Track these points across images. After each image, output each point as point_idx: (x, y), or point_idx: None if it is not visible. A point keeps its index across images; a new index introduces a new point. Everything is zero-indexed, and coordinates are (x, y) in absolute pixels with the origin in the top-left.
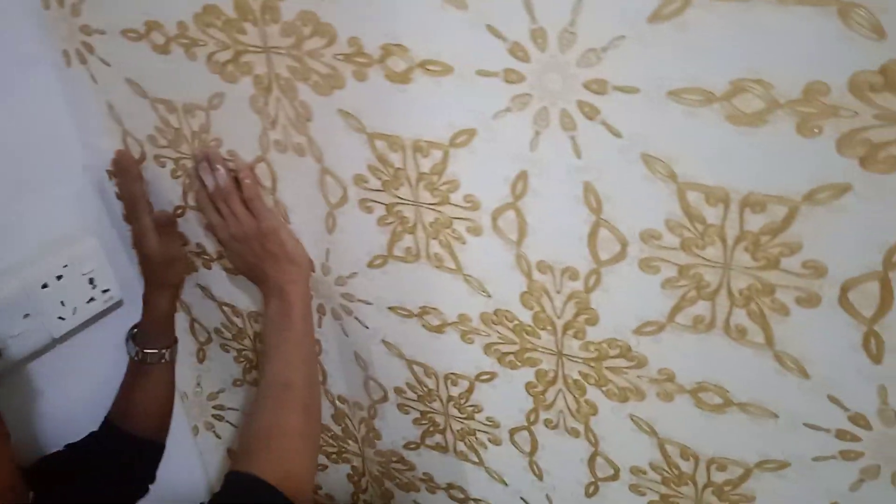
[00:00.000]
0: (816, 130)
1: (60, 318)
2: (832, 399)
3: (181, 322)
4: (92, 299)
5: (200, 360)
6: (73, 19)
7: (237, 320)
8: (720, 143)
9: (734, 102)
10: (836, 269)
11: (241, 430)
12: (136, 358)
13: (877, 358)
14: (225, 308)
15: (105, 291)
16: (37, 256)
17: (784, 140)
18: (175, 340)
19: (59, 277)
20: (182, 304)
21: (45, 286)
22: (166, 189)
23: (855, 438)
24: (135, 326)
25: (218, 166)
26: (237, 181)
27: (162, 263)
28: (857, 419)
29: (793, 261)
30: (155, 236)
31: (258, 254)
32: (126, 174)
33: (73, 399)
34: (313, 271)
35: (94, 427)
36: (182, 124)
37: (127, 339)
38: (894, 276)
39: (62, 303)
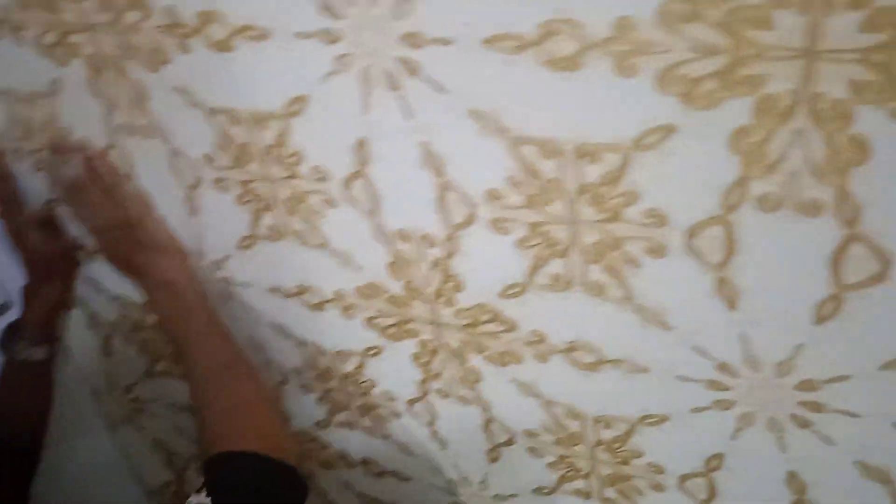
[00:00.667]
0: (632, 69)
1: None
2: (697, 350)
3: (79, 319)
4: None
5: (107, 355)
6: None
7: (133, 311)
8: (543, 92)
9: (547, 46)
10: (677, 216)
11: (200, 423)
12: (17, 358)
13: (732, 303)
14: (118, 300)
15: None
16: None
17: (604, 83)
18: (58, 338)
19: None
20: (78, 299)
21: None
22: (32, 183)
23: (725, 388)
24: (11, 325)
25: (69, 157)
26: (94, 170)
27: (45, 259)
28: (725, 368)
29: (635, 210)
30: (34, 232)
31: (127, 245)
32: None
33: None
34: (189, 258)
35: None
36: (30, 115)
37: (3, 339)
38: (735, 219)
39: None
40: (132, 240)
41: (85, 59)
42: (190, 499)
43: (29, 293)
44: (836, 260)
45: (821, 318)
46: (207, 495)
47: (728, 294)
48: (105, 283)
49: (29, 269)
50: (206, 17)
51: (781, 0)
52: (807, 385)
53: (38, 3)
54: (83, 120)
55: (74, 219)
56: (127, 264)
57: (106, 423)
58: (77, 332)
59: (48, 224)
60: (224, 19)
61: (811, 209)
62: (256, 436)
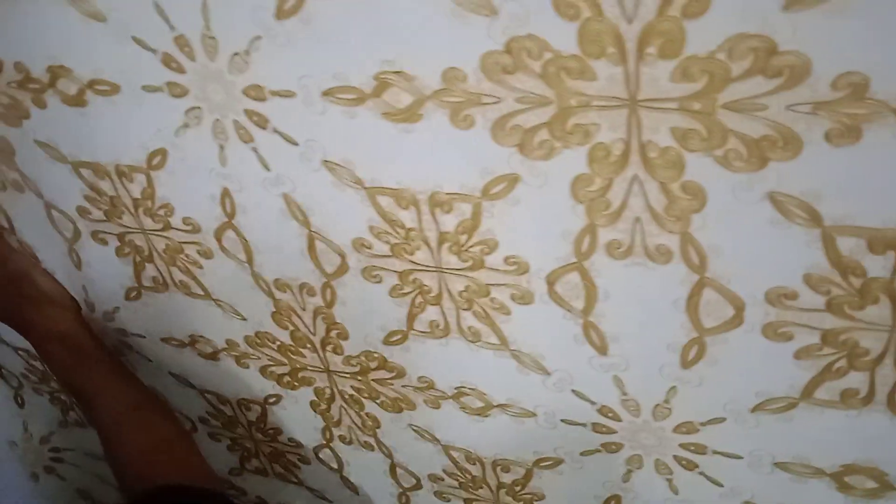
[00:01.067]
0: (466, 121)
1: None
2: (577, 393)
3: None
4: None
5: (21, 405)
6: None
7: (36, 363)
8: (388, 143)
9: (385, 98)
10: (536, 262)
11: (119, 467)
12: None
13: (602, 349)
14: (20, 352)
15: None
16: None
17: (444, 134)
18: None
19: None
20: None
21: None
22: None
23: (610, 431)
24: None
25: None
26: None
27: None
28: (606, 411)
29: (495, 258)
30: None
31: (14, 299)
32: None
33: None
34: (81, 309)
35: None
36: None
37: None
38: (590, 265)
39: None
40: (19, 294)
41: None
42: None
43: None
44: (692, 305)
45: (687, 363)
46: None
47: (596, 339)
48: (7, 336)
49: None
50: (55, 73)
51: (596, 51)
52: (686, 427)
53: None
54: None
55: None
56: (15, 318)
57: (27, 473)
58: None
59: None
60: (72, 74)
61: (659, 256)
62: (181, 469)
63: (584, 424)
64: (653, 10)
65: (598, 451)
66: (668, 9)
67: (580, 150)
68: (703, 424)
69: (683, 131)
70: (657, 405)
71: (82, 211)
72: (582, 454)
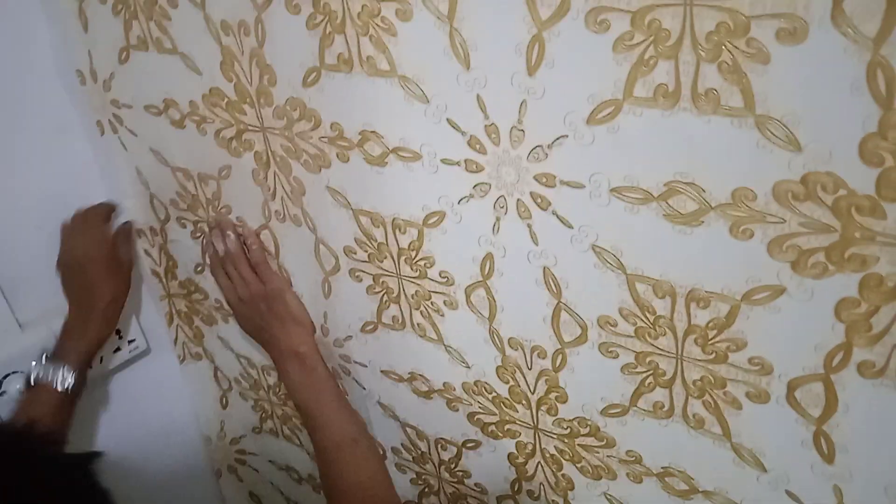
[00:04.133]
0: (747, 234)
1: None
2: (790, 495)
3: (206, 370)
4: (118, 349)
5: (224, 407)
6: (104, 94)
7: (252, 372)
8: (661, 240)
9: (671, 203)
10: (781, 367)
11: (329, 492)
12: (66, 389)
13: (829, 458)
14: (241, 360)
15: (131, 342)
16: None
17: (719, 240)
18: (86, 375)
19: None
20: (206, 352)
21: None
22: (188, 248)
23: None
24: (50, 353)
25: (228, 232)
26: (246, 246)
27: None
28: None
29: (740, 356)
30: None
31: (264, 316)
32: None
33: (93, 442)
34: (315, 332)
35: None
36: (198, 191)
37: (43, 369)
38: (836, 379)
39: None
40: (269, 311)
41: (254, 154)
42: None
43: (73, 326)
44: None
45: None
46: None
47: (825, 447)
48: (232, 343)
49: (86, 306)
50: (366, 136)
51: (893, 196)
52: None
53: (225, 104)
54: (244, 202)
55: (218, 285)
56: (261, 333)
57: (213, 469)
58: (202, 383)
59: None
60: (380, 139)
61: None
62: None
63: None
64: None
65: None
66: None
67: (853, 277)
68: None
69: None
70: None
71: (348, 250)
72: None
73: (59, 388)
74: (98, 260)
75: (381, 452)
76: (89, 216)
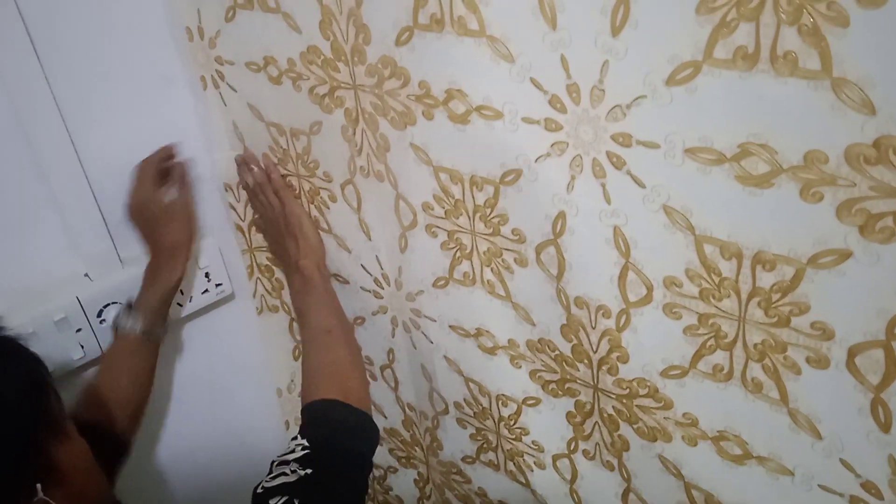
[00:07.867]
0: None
1: (178, 304)
2: (844, 463)
3: (281, 322)
4: (206, 290)
5: (296, 359)
6: (209, 50)
7: None
8: (732, 201)
9: (743, 164)
10: (842, 332)
11: (303, 374)
12: (140, 334)
13: (885, 427)
14: None
15: (218, 285)
16: None
17: (789, 203)
18: (165, 321)
19: None
20: (283, 304)
21: None
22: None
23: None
24: (129, 302)
25: (252, 166)
26: (269, 177)
27: (171, 243)
28: (869, 487)
29: (802, 320)
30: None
31: (281, 231)
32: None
33: (172, 381)
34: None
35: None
36: (289, 146)
37: (122, 314)
38: None
39: (181, 291)
40: (286, 228)
41: (344, 110)
42: (290, 442)
43: (147, 272)
44: None
45: None
46: (303, 436)
47: (882, 416)
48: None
49: (154, 251)
50: (451, 95)
51: None
52: None
53: (322, 62)
54: (331, 157)
55: (254, 211)
56: (278, 247)
57: (281, 419)
58: (277, 334)
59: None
60: (465, 98)
61: None
62: (341, 389)
63: (841, 494)
64: None
65: None
66: None
67: None
68: None
69: None
70: None
71: (426, 206)
72: None
73: (131, 333)
74: (152, 205)
75: (438, 399)
76: (146, 164)
